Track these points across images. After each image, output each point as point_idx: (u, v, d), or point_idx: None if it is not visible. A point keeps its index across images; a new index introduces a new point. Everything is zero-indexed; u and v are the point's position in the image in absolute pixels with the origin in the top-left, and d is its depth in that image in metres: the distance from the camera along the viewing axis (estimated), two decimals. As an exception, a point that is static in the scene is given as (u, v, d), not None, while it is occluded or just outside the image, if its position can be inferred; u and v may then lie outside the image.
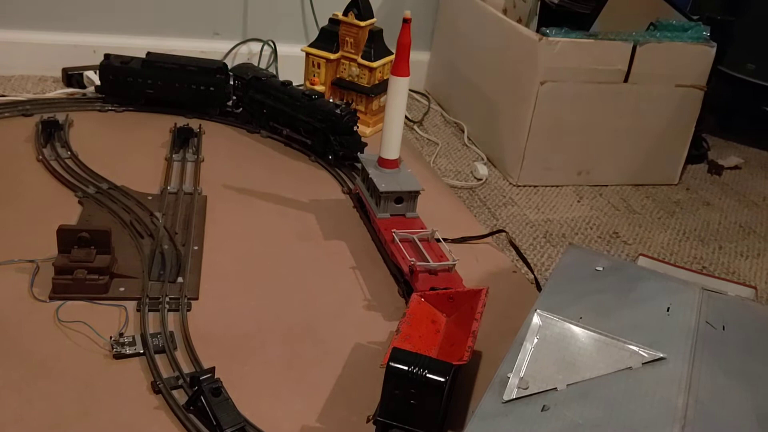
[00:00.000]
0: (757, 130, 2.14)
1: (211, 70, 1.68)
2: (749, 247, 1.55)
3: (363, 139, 1.59)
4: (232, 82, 1.71)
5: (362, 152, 1.52)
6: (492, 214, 1.53)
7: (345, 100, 1.68)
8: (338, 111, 1.55)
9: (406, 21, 1.22)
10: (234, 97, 1.73)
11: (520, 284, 1.29)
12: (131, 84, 1.68)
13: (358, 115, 1.61)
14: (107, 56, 1.68)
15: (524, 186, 1.67)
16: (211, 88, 1.69)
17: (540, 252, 1.41)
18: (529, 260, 1.35)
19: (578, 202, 1.64)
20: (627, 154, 1.71)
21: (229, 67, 1.72)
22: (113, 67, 1.67)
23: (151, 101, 1.70)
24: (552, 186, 1.69)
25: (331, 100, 1.62)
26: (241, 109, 1.73)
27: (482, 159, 1.77)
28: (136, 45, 1.77)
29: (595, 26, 1.78)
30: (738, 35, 1.93)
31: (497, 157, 1.75)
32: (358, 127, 1.60)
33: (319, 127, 1.57)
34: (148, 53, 1.70)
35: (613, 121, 1.66)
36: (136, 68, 1.67)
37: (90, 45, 1.81)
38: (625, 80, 1.63)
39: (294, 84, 1.66)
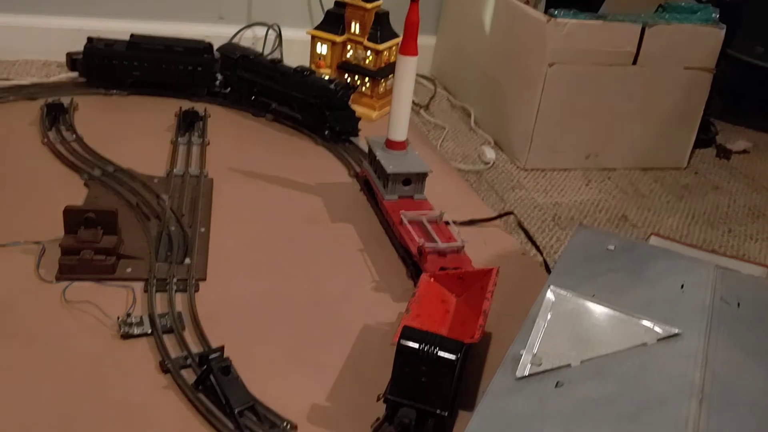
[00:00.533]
0: (766, 115, 2.12)
1: (197, 50, 1.67)
2: (759, 230, 1.54)
3: (370, 123, 1.58)
4: (219, 62, 1.70)
5: (357, 128, 1.53)
6: (500, 198, 1.52)
7: (350, 82, 1.67)
8: (332, 86, 1.56)
9: (414, 0, 1.21)
10: (221, 77, 1.72)
11: (529, 267, 1.28)
12: (117, 67, 1.65)
13: (362, 99, 1.60)
14: (90, 39, 1.66)
15: (532, 170, 1.66)
16: (199, 68, 1.67)
17: (548, 235, 1.40)
18: (538, 243, 1.34)
19: (586, 185, 1.63)
20: (635, 137, 1.70)
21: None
22: (98, 50, 1.65)
23: (137, 83, 1.68)
24: (560, 170, 1.67)
25: (324, 76, 1.61)
26: (229, 88, 1.71)
27: (489, 143, 1.75)
28: (140, 29, 1.75)
29: (603, 7, 1.77)
30: (747, 18, 1.91)
31: (504, 140, 1.73)
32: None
33: (313, 102, 1.57)
34: (133, 35, 1.67)
35: (622, 104, 1.65)
36: (122, 51, 1.65)
37: (94, 30, 1.80)
38: (634, 62, 1.61)
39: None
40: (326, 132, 1.57)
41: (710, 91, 1.70)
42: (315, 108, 1.57)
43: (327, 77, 1.61)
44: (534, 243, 1.34)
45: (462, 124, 1.85)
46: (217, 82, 1.72)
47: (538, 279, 1.18)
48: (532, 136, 1.63)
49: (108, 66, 1.65)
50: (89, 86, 1.68)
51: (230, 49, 1.70)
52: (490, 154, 1.66)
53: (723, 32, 1.63)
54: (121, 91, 1.68)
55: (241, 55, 1.66)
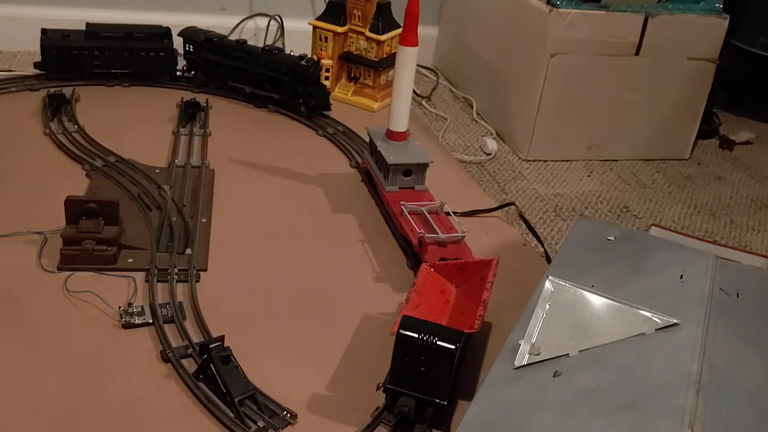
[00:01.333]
0: (770, 105, 2.11)
1: (158, 35, 1.65)
2: (761, 221, 1.53)
3: (372, 114, 1.58)
4: (185, 47, 1.69)
5: (329, 102, 1.60)
6: (501, 189, 1.52)
7: (352, 73, 1.67)
8: (304, 63, 1.58)
9: (414, -11, 1.21)
10: (185, 62, 1.71)
11: (529, 257, 1.28)
12: (76, 57, 1.62)
13: (364, 89, 1.60)
14: (44, 31, 1.62)
15: (534, 161, 1.66)
16: (161, 54, 1.66)
17: (550, 226, 1.40)
18: (539, 234, 1.34)
19: (588, 176, 1.63)
20: (638, 128, 1.69)
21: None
22: (55, 41, 1.61)
23: (98, 73, 1.66)
24: (562, 160, 1.67)
25: (292, 53, 1.63)
26: (193, 72, 1.71)
27: (491, 134, 1.75)
28: (143, 19, 1.75)
29: (606, -2, 1.76)
30: (751, 8, 1.90)
31: (506, 131, 1.73)
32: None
33: (286, 79, 1.59)
34: (89, 24, 1.65)
35: (624, 95, 1.64)
36: (80, 41, 1.62)
37: (97, 20, 1.79)
38: (637, 53, 1.60)
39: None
40: (302, 108, 1.61)
41: (713, 82, 1.69)
42: (288, 85, 1.60)
43: (293, 54, 1.64)
44: (535, 234, 1.34)
45: (464, 114, 1.85)
46: (180, 67, 1.71)
47: (539, 269, 1.18)
48: (534, 127, 1.62)
49: (67, 57, 1.62)
50: (48, 79, 1.64)
51: (192, 33, 1.69)
52: (491, 145, 1.66)
53: (726, 22, 1.63)
54: (81, 81, 1.64)
55: (205, 38, 1.66)
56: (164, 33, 1.66)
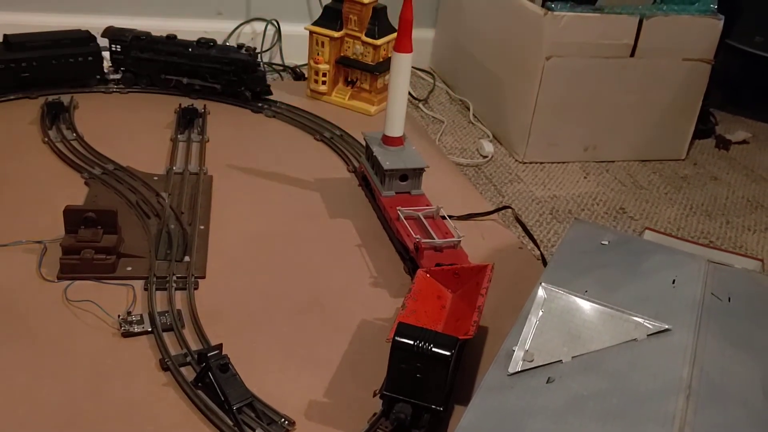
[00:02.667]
0: (765, 104, 2.11)
1: (83, 39, 1.66)
2: (756, 221, 1.54)
3: (369, 118, 1.59)
4: (111, 47, 1.70)
5: (269, 86, 1.71)
6: (498, 191, 1.53)
7: (349, 77, 1.67)
8: (244, 52, 1.65)
9: (408, -4, 1.21)
10: (110, 64, 1.71)
11: (526, 260, 1.29)
12: (2, 71, 1.59)
13: (361, 93, 1.61)
14: None
15: (530, 163, 1.66)
16: (89, 58, 1.66)
17: (546, 228, 1.41)
18: (536, 236, 1.35)
19: (585, 178, 1.64)
20: (634, 129, 1.70)
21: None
22: None
23: (25, 83, 1.62)
24: (558, 162, 1.68)
25: (227, 44, 1.69)
26: (121, 73, 1.72)
27: (488, 136, 1.76)
28: (138, 26, 1.76)
29: (600, 0, 1.76)
30: (746, 8, 1.90)
31: (503, 134, 1.74)
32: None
33: (228, 70, 1.65)
34: (6, 35, 1.61)
35: (620, 96, 1.65)
36: (3, 53, 1.59)
37: (93, 27, 1.80)
38: (632, 54, 1.61)
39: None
40: (248, 94, 1.68)
41: (709, 81, 1.70)
42: (230, 75, 1.66)
43: (230, 45, 1.70)
44: (531, 237, 1.35)
45: (461, 117, 1.86)
46: (107, 69, 1.72)
47: (536, 272, 1.19)
48: (530, 130, 1.63)
49: None
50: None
51: (117, 33, 1.69)
52: (488, 147, 1.67)
53: (721, 23, 1.63)
54: (7, 94, 1.62)
55: (134, 37, 1.67)
56: (89, 37, 1.66)
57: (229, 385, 0.90)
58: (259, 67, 1.70)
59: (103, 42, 1.70)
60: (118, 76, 1.73)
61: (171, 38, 1.68)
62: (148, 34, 1.70)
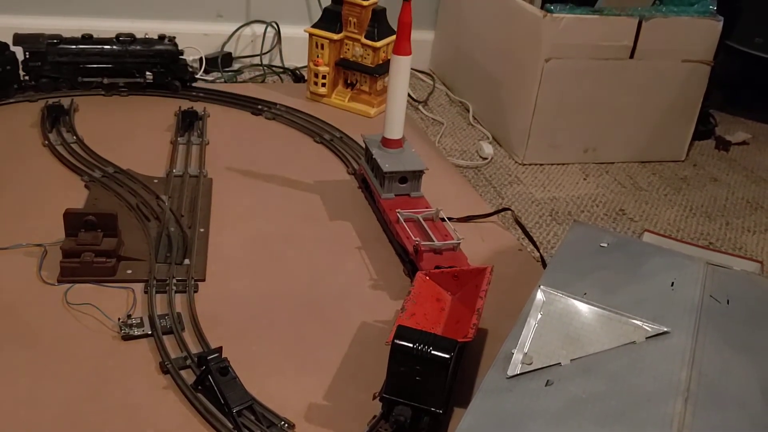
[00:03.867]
0: (765, 105, 2.11)
1: None
2: (756, 223, 1.54)
3: (369, 120, 1.59)
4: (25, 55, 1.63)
5: (192, 74, 1.75)
6: (498, 193, 1.53)
7: (348, 79, 1.67)
8: (167, 42, 1.66)
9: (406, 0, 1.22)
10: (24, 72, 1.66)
11: (525, 262, 1.29)
12: None
13: (361, 95, 1.60)
14: None
15: (530, 164, 1.67)
16: (8, 67, 1.61)
17: (546, 230, 1.41)
18: (535, 238, 1.35)
19: (584, 179, 1.64)
20: (633, 130, 1.70)
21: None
22: None
23: None
24: (558, 164, 1.68)
25: (146, 35, 1.68)
26: (36, 80, 1.65)
27: (487, 138, 1.76)
28: (139, 28, 1.76)
29: (600, 2, 1.77)
30: (746, 9, 1.90)
31: (503, 135, 1.74)
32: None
33: (155, 62, 1.67)
34: None
35: (619, 98, 1.65)
36: None
37: (93, 29, 1.81)
38: (631, 56, 1.61)
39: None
40: (177, 84, 1.71)
41: (709, 83, 1.70)
42: (158, 66, 1.68)
43: (150, 37, 1.69)
44: (531, 238, 1.35)
45: (460, 119, 1.86)
46: (23, 76, 1.66)
47: (535, 274, 1.19)
48: (530, 131, 1.63)
49: None
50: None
51: (29, 40, 1.63)
52: (488, 149, 1.67)
53: (720, 24, 1.63)
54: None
55: (48, 42, 1.63)
56: (3, 45, 1.60)
57: (229, 388, 0.90)
58: (182, 56, 1.71)
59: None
60: (33, 84, 1.65)
61: (87, 38, 1.65)
62: (59, 37, 1.65)
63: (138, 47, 1.66)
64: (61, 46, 1.63)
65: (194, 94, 1.74)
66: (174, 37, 1.70)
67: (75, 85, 1.67)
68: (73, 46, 1.64)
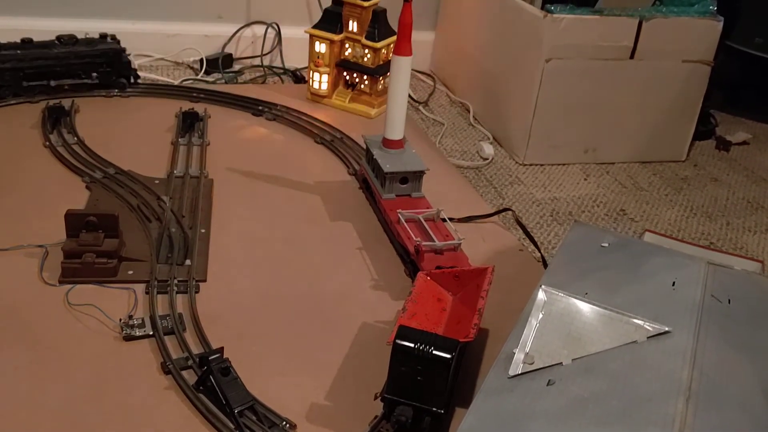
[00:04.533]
0: (766, 105, 2.12)
1: None
2: (757, 223, 1.54)
3: (369, 121, 1.59)
4: None
5: (136, 72, 1.74)
6: (498, 194, 1.53)
7: (349, 80, 1.67)
8: (109, 41, 1.66)
9: (407, 0, 1.22)
10: None
11: (526, 262, 1.29)
12: None
13: (361, 96, 1.60)
14: None
15: (530, 165, 1.67)
16: None
17: (547, 230, 1.41)
18: (536, 238, 1.35)
19: (585, 179, 1.64)
20: (634, 131, 1.70)
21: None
22: None
23: None
24: (558, 164, 1.68)
25: (87, 35, 1.67)
26: None
27: (488, 138, 1.76)
28: (139, 30, 1.77)
29: (600, 2, 1.77)
30: (746, 9, 1.91)
31: (503, 136, 1.74)
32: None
33: (100, 62, 1.66)
34: None
35: (620, 98, 1.65)
36: None
37: (95, 30, 1.81)
38: (632, 56, 1.61)
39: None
40: (124, 81, 1.70)
41: (709, 83, 1.70)
42: (104, 66, 1.67)
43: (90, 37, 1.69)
44: (531, 239, 1.35)
45: (461, 119, 1.86)
46: None
47: (536, 275, 1.19)
48: (531, 132, 1.63)
49: None
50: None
51: None
52: (488, 149, 1.67)
53: (720, 24, 1.63)
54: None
55: None
56: None
57: (231, 389, 0.90)
58: (124, 53, 1.69)
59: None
60: None
61: (28, 42, 1.63)
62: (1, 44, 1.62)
63: (83, 48, 1.65)
64: (2, 52, 1.60)
65: (194, 95, 1.73)
66: (114, 35, 1.69)
67: (19, 91, 1.63)
68: (15, 51, 1.60)
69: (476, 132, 1.80)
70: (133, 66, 1.74)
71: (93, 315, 1.04)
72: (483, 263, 1.20)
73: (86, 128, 1.53)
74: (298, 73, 1.96)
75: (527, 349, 0.85)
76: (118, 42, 1.68)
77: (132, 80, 1.74)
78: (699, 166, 1.77)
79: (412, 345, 0.86)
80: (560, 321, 0.87)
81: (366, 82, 1.76)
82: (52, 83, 1.65)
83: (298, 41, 1.87)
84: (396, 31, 1.72)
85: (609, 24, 1.57)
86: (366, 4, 1.69)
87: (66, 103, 1.58)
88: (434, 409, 0.87)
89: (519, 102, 1.66)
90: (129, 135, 1.55)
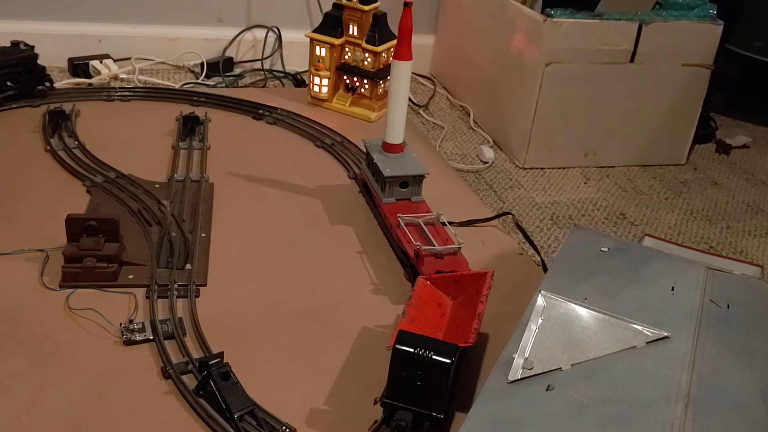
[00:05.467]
0: (766, 109, 2.12)
1: None
2: (757, 226, 1.54)
3: (369, 125, 1.60)
4: None
5: (50, 77, 1.69)
6: (498, 197, 1.53)
7: (349, 83, 1.67)
8: (23, 49, 1.61)
9: (407, 5, 1.22)
10: None
11: (526, 266, 1.29)
12: None
13: (362, 100, 1.60)
14: None
15: (530, 168, 1.67)
16: None
17: (547, 234, 1.41)
18: (536, 242, 1.36)
19: (585, 183, 1.64)
20: (634, 134, 1.71)
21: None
22: None
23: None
24: (558, 168, 1.68)
25: None
26: None
27: (488, 142, 1.76)
28: (140, 33, 1.77)
29: (600, 6, 1.77)
30: (745, 13, 1.91)
31: (503, 139, 1.74)
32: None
33: (21, 70, 1.61)
34: None
35: (620, 102, 1.66)
36: None
37: (95, 34, 1.82)
38: (631, 60, 1.62)
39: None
40: (47, 85, 1.65)
41: (709, 86, 1.70)
42: (24, 74, 1.62)
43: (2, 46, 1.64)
44: (531, 243, 1.35)
45: (461, 123, 1.86)
46: None
47: (536, 279, 1.19)
48: (531, 135, 1.64)
49: None
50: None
51: None
52: (488, 153, 1.67)
53: (720, 28, 1.64)
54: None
55: None
56: None
57: (231, 393, 0.90)
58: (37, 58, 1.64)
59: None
60: None
61: None
62: None
63: (3, 58, 1.58)
64: None
65: (195, 98, 1.73)
66: (26, 42, 1.63)
67: None
68: None
69: (476, 135, 1.80)
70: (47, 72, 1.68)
71: (93, 319, 1.04)
72: (483, 267, 1.20)
73: (87, 132, 1.53)
74: (298, 76, 1.96)
75: (527, 355, 0.85)
76: (33, 47, 1.63)
77: (50, 85, 1.67)
78: (699, 170, 1.77)
79: (411, 350, 0.86)
80: (560, 326, 0.87)
81: (366, 86, 1.76)
82: None
83: (299, 45, 1.87)
84: (396, 35, 1.73)
85: (609, 28, 1.57)
86: (366, 8, 1.70)
87: (67, 107, 1.58)
88: (434, 413, 0.87)
89: (519, 106, 1.66)
90: (130, 139, 1.55)
